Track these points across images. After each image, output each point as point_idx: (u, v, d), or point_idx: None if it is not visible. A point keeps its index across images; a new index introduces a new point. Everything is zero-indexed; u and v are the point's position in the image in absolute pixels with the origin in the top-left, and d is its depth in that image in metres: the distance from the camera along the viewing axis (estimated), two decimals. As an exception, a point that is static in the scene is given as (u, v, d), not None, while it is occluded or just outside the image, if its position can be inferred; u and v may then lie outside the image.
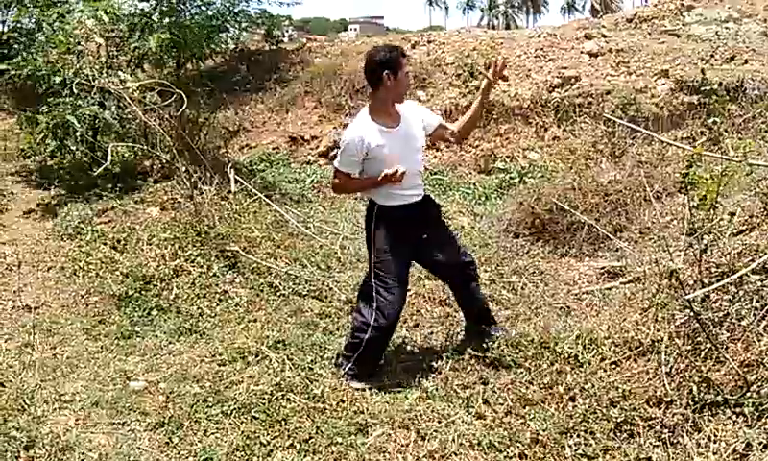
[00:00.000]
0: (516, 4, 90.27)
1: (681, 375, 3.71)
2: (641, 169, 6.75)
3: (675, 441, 3.36)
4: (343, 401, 3.98)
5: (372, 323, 4.19)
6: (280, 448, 3.56)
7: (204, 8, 10.74)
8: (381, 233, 4.23)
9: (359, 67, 11.95)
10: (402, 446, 3.58)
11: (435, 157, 10.26)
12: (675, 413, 3.48)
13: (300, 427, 3.71)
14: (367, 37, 17.27)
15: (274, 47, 14.02)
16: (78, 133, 7.14)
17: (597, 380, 3.89)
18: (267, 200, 7.07)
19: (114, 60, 6.74)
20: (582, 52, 11.59)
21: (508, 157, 9.96)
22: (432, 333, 4.93)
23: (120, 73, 6.48)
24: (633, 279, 5.29)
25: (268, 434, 3.66)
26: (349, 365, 4.26)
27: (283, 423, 3.76)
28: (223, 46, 12.07)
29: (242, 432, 3.67)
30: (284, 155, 10.90)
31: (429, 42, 12.97)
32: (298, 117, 11.71)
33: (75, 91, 6.89)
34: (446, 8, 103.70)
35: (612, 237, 6.06)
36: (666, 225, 5.83)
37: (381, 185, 4.11)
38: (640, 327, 4.28)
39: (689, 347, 3.84)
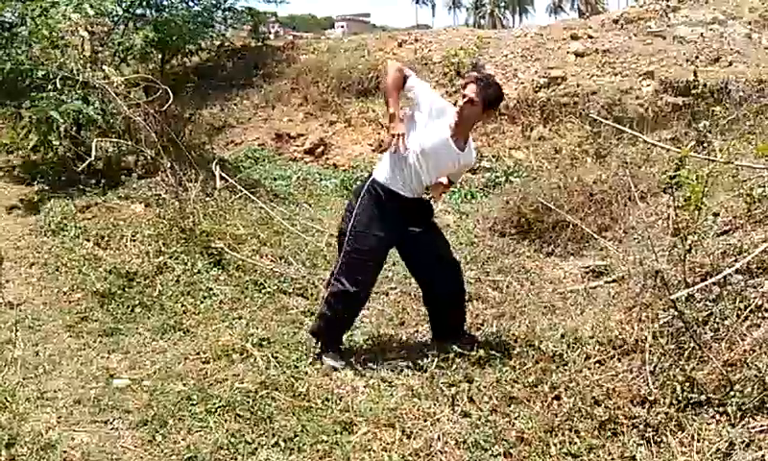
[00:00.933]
0: (503, 3, 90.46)
1: (665, 374, 3.73)
2: (626, 169, 6.78)
3: (659, 440, 3.37)
4: (328, 400, 3.97)
5: (343, 289, 4.31)
6: (265, 447, 3.54)
7: (189, 3, 10.67)
8: (364, 207, 4.31)
9: (346, 65, 12.01)
10: (387, 444, 3.57)
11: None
12: (659, 412, 3.50)
13: (286, 425, 3.69)
14: (354, 35, 17.24)
15: (259, 44, 13.97)
16: (61, 129, 7.06)
17: (582, 379, 3.91)
18: (252, 197, 7.04)
19: (99, 55, 6.66)
20: (568, 52, 11.65)
21: (494, 156, 10.02)
22: (417, 331, 4.93)
23: (105, 68, 6.41)
24: (617, 278, 5.32)
25: (253, 432, 3.64)
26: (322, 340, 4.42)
27: (268, 421, 3.74)
28: (208, 42, 12.00)
29: (227, 430, 3.64)
30: (270, 151, 10.89)
31: (416, 41, 12.99)
32: (284, 114, 11.70)
33: (58, 86, 6.82)
34: (433, 6, 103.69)
35: (596, 237, 6.09)
36: (651, 225, 5.86)
37: (392, 122, 4.15)
38: (625, 326, 4.32)
39: (673, 346, 3.86)
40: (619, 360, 4.07)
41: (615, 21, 13.27)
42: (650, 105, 9.89)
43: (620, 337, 4.20)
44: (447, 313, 4.63)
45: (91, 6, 6.74)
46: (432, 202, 4.59)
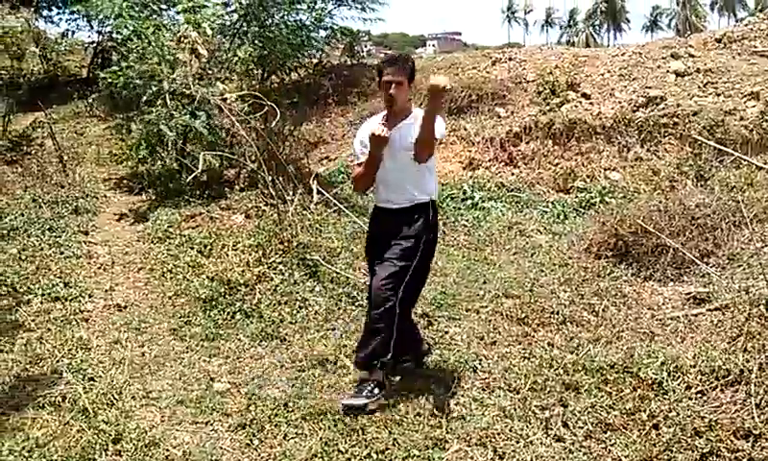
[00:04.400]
0: (598, 22, 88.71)
1: (771, 407, 3.58)
2: (730, 193, 6.53)
3: (765, 475, 3.24)
4: (420, 415, 4.00)
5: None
6: (357, 457, 3.59)
7: (290, 21, 10.99)
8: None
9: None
10: (479, 464, 3.57)
11: (513, 174, 10.21)
12: (764, 447, 3.37)
13: (378, 438, 3.74)
14: (446, 53, 17.32)
15: (355, 62, 14.23)
16: (169, 142, 7.40)
17: (682, 409, 3.80)
18: (347, 211, 7.17)
19: (208, 71, 6.96)
20: (668, 71, 11.31)
21: (588, 176, 9.83)
22: (509, 352, 4.88)
23: (219, 84, 6.69)
24: (721, 305, 5.12)
25: (346, 442, 3.71)
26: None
27: (361, 432, 3.80)
28: (307, 60, 12.33)
29: (320, 438, 3.73)
30: (362, 168, 11.03)
31: (510, 59, 12.91)
32: (377, 131, 11.83)
33: (168, 101, 7.15)
34: (526, 24, 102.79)
35: (698, 262, 5.88)
36: (756, 252, 5.61)
37: (373, 157, 4.10)
38: (729, 355, 4.16)
39: (781, 379, 3.70)
40: (722, 391, 3.93)
41: (718, 40, 12.81)
42: (755, 127, 9.48)
43: (724, 367, 4.05)
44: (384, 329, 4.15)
45: (211, 26, 7.05)
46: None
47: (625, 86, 11.18)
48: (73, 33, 15.20)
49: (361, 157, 4.26)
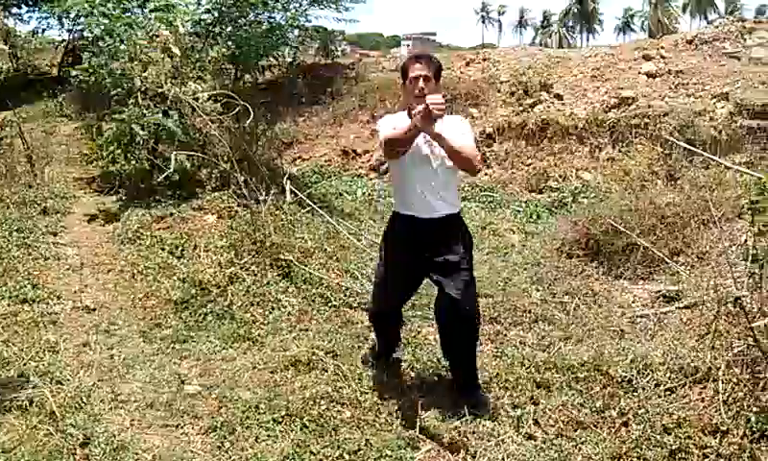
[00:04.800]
0: (570, 23, 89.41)
1: (738, 404, 3.64)
2: (699, 193, 6.62)
3: (731, 471, 3.28)
4: (392, 415, 4.00)
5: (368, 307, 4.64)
6: (329, 458, 3.59)
7: (263, 21, 10.94)
8: (386, 237, 4.31)
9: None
10: (452, 463, 3.58)
11: (486, 174, 10.25)
12: (731, 443, 3.42)
13: (350, 438, 3.74)
14: (421, 53, 17.33)
15: (329, 61, 14.20)
16: (141, 141, 7.31)
17: (652, 406, 3.84)
18: (320, 211, 7.14)
19: (180, 70, 6.88)
20: (639, 72, 11.46)
21: (560, 176, 9.91)
22: (482, 351, 4.89)
23: (191, 83, 6.61)
24: (690, 304, 5.19)
25: (318, 443, 3.70)
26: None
27: (333, 433, 3.79)
28: (280, 59, 12.27)
29: (292, 440, 3.72)
30: (336, 167, 11.03)
31: (484, 60, 12.98)
32: (350, 131, 11.84)
33: (139, 100, 7.07)
34: (500, 25, 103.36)
35: (668, 261, 5.95)
36: (725, 250, 5.69)
37: (416, 133, 3.78)
38: (697, 353, 4.22)
39: (747, 376, 3.76)
40: (691, 388, 3.98)
41: (689, 42, 12.98)
42: (724, 127, 9.63)
43: (692, 365, 4.11)
44: (464, 354, 4.19)
45: (182, 24, 6.97)
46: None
47: (597, 87, 11.30)
48: (43, 31, 14.98)
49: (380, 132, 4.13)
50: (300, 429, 3.83)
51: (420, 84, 3.91)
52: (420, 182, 4.00)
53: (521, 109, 10.97)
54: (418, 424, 3.88)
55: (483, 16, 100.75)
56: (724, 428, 3.53)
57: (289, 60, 13.04)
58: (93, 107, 8.34)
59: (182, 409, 4.04)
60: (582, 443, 3.67)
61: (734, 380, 3.77)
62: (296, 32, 12.18)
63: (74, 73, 8.33)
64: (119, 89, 7.22)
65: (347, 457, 3.60)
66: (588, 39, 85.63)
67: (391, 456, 3.59)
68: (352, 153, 11.38)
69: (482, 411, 3.99)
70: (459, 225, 4.14)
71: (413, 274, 4.22)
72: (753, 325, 3.57)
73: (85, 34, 7.77)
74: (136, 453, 3.58)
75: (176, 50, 6.67)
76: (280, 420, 3.91)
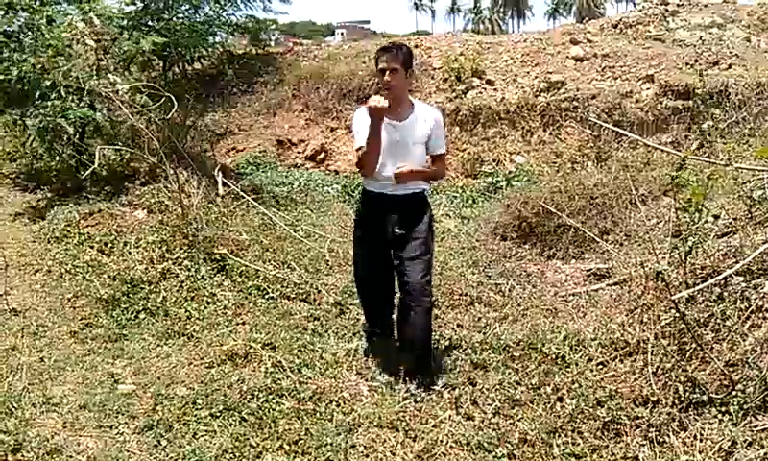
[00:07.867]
0: (502, 9, 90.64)
1: (667, 374, 3.76)
2: (627, 173, 6.80)
3: (661, 440, 3.40)
4: (332, 403, 4.00)
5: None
6: (270, 450, 3.57)
7: (192, 12, 10.70)
8: (357, 211, 4.56)
9: (346, 71, 12.04)
10: (391, 446, 3.60)
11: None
12: (661, 412, 3.53)
13: (290, 429, 3.72)
14: (354, 41, 17.27)
15: (261, 51, 14.01)
16: (66, 136, 7.07)
17: (584, 381, 3.95)
18: (255, 203, 7.06)
19: (103, 63, 6.66)
20: (568, 57, 11.69)
21: (494, 161, 10.06)
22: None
23: (110, 76, 6.42)
24: (619, 280, 5.34)
25: (257, 436, 3.67)
26: None
27: (272, 424, 3.77)
28: (211, 50, 12.04)
29: (231, 434, 3.67)
30: (271, 158, 10.92)
31: (417, 47, 13.00)
32: (285, 120, 11.73)
33: (63, 94, 6.83)
34: (433, 12, 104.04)
35: (598, 240, 6.10)
36: (652, 227, 5.88)
37: (377, 128, 4.05)
38: (626, 328, 4.34)
39: (675, 347, 3.89)
40: (622, 362, 4.10)
41: (615, 25, 13.34)
42: (650, 108, 9.95)
43: (622, 339, 4.24)
44: (419, 329, 4.24)
45: (98, 16, 6.76)
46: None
47: (527, 72, 11.48)
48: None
49: (358, 134, 4.21)
50: (239, 423, 3.79)
51: (386, 77, 4.11)
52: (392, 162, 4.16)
53: (454, 95, 11.05)
54: (357, 409, 3.89)
55: (416, 3, 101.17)
56: (654, 399, 3.65)
57: (219, 50, 12.80)
58: (16, 103, 8.01)
59: (117, 409, 3.95)
60: (519, 420, 3.75)
61: (663, 352, 3.90)
62: (225, 23, 11.94)
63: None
64: (42, 84, 6.95)
65: (286, 448, 3.58)
66: (518, 25, 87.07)
67: (330, 444, 3.59)
68: (288, 143, 11.28)
69: (422, 393, 4.03)
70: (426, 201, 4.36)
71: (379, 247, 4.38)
72: (674, 297, 3.69)
73: (6, 28, 7.43)
74: (70, 456, 3.49)
75: (91, 42, 6.45)
76: (218, 414, 3.87)
